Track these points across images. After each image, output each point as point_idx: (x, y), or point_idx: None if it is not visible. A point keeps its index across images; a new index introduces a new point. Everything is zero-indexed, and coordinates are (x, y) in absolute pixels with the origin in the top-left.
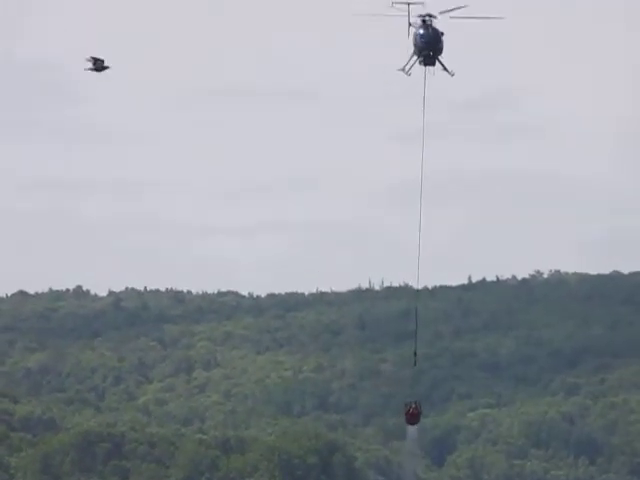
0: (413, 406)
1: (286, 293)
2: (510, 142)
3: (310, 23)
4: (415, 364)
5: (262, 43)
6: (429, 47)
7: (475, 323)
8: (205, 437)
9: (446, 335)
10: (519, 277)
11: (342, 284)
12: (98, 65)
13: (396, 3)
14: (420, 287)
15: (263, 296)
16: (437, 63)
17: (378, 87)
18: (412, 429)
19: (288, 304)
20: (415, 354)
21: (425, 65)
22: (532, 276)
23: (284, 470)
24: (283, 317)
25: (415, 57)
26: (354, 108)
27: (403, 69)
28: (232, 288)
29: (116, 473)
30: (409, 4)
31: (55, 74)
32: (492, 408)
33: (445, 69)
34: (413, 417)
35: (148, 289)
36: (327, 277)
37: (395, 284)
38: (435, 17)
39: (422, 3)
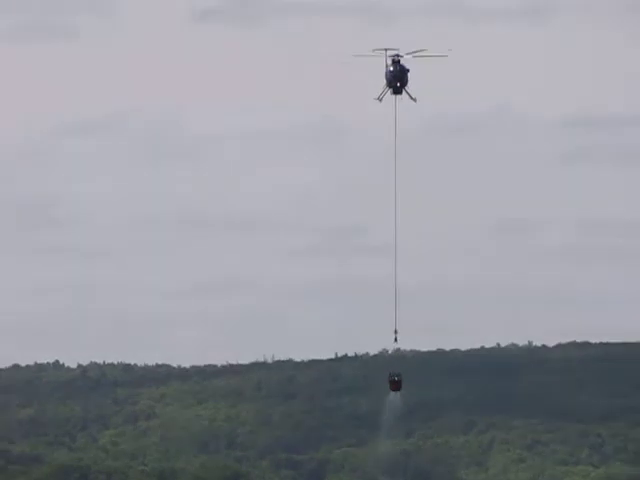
0: (395, 377)
1: (204, 365)
2: None
3: None
4: (396, 340)
5: None
6: (397, 80)
7: (341, 386)
8: (146, 468)
9: (320, 395)
10: (371, 353)
11: (245, 358)
12: None
13: (376, 50)
14: (299, 360)
15: (188, 367)
16: (404, 93)
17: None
18: (393, 395)
19: (206, 373)
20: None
21: (394, 94)
22: (380, 352)
23: None
24: (202, 383)
25: (387, 88)
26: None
27: (378, 97)
28: (165, 362)
29: None
30: (386, 50)
31: None
32: (353, 447)
33: (410, 97)
34: (395, 384)
35: (105, 362)
36: (234, 352)
37: (283, 358)
38: (402, 56)
39: (398, 49)
